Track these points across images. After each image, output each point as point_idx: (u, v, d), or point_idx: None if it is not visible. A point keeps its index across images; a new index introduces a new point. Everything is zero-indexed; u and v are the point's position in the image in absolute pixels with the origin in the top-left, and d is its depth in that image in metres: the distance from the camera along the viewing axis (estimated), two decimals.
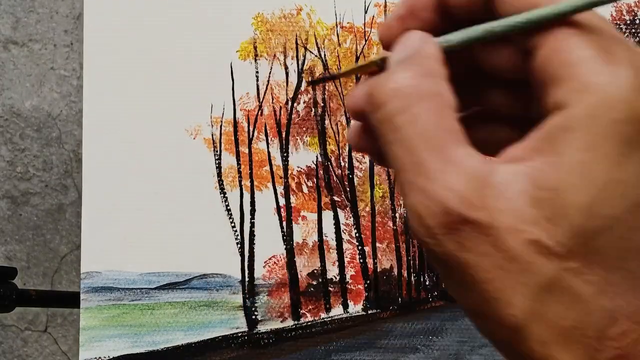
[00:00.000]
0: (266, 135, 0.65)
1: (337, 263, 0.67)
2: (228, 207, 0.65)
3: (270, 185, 0.65)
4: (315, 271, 0.67)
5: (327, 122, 0.64)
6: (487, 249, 0.21)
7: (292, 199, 0.65)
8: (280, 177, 0.65)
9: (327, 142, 0.64)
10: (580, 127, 0.20)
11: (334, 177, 0.64)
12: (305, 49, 0.64)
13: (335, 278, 0.67)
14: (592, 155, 0.20)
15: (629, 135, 0.20)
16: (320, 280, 0.67)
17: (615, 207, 0.20)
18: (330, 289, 0.67)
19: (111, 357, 0.63)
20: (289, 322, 0.66)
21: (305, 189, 0.65)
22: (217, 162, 0.65)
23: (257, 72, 0.64)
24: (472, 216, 0.21)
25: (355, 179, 0.64)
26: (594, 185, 0.20)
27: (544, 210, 0.20)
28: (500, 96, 0.27)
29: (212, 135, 0.65)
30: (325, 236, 0.66)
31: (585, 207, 0.20)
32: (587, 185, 0.20)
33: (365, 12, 0.64)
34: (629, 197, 0.20)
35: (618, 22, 0.62)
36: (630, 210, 0.20)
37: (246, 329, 0.65)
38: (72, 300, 0.86)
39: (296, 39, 0.64)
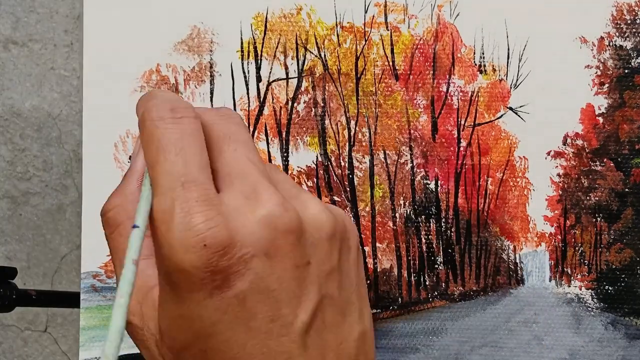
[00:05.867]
0: (266, 135, 0.65)
1: None
2: None
3: None
4: None
5: (327, 122, 0.64)
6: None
7: None
8: None
9: (327, 142, 0.64)
10: (161, 286, 0.28)
11: (334, 177, 0.64)
12: (305, 49, 0.64)
13: None
14: (162, 297, 0.28)
15: (179, 284, 0.27)
16: None
17: (183, 333, 0.28)
18: None
19: None
20: None
21: (305, 189, 0.65)
22: None
23: (257, 72, 0.64)
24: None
25: (355, 179, 0.64)
26: (168, 318, 0.28)
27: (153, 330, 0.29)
28: None
29: None
30: None
31: (165, 331, 0.28)
32: (165, 318, 0.28)
33: (365, 12, 0.64)
34: (192, 328, 0.27)
35: (619, 21, 0.62)
36: (197, 336, 0.27)
37: None
38: (72, 300, 0.86)
39: (296, 39, 0.64)
